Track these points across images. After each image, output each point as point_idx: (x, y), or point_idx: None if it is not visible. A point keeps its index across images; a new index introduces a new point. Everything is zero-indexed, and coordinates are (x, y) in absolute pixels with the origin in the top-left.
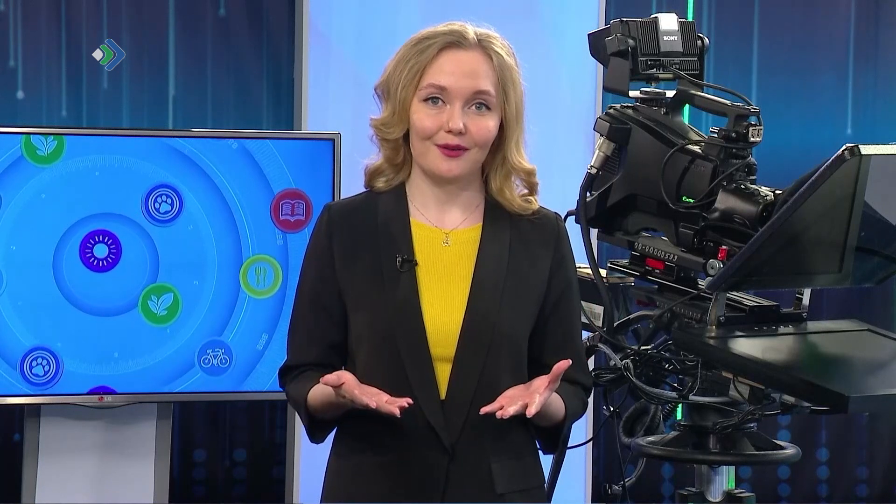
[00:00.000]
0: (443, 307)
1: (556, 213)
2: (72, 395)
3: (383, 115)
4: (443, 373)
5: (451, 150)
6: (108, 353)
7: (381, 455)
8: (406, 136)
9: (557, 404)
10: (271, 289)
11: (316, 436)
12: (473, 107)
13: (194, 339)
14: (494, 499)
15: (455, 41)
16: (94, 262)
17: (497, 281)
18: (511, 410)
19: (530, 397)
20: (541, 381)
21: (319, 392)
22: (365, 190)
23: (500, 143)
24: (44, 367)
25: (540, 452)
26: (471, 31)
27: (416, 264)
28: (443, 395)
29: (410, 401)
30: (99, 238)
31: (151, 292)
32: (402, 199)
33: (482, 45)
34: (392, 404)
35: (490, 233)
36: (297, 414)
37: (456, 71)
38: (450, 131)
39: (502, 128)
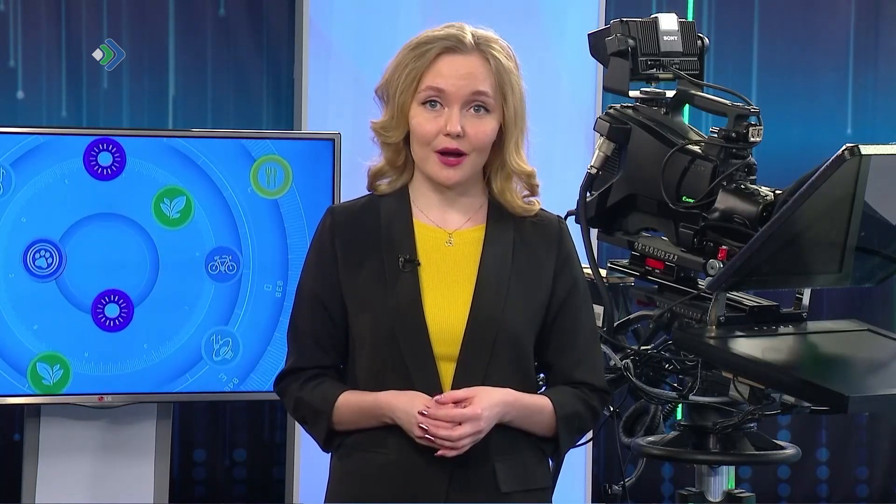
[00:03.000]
0: (446, 306)
1: (558, 215)
2: (72, 395)
3: (383, 118)
4: (446, 372)
5: (450, 158)
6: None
7: (385, 456)
8: (407, 139)
9: (539, 414)
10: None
11: (331, 444)
12: (472, 109)
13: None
14: (499, 498)
15: (453, 46)
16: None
17: (501, 281)
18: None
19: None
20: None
21: (353, 401)
22: (368, 192)
23: (499, 146)
24: (47, 259)
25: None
26: (468, 34)
27: (419, 264)
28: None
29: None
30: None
31: (164, 195)
32: (405, 201)
33: (480, 48)
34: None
35: (493, 233)
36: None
37: (454, 74)
38: (448, 134)
39: (502, 130)
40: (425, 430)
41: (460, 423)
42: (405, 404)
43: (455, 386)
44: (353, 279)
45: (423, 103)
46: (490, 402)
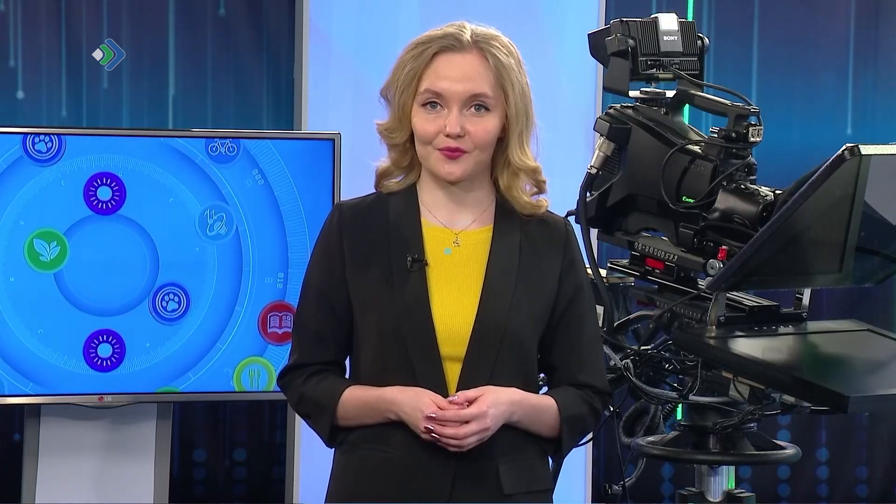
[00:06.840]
0: (453, 307)
1: (565, 218)
2: (72, 395)
3: (388, 120)
4: (452, 372)
5: (451, 153)
6: None
7: (389, 453)
8: (412, 138)
9: (544, 414)
10: None
11: (334, 440)
12: (472, 108)
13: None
14: (502, 499)
15: (450, 45)
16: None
17: (507, 283)
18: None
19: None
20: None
21: (357, 396)
22: (374, 191)
23: (504, 142)
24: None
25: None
26: (467, 32)
27: (427, 264)
28: (452, 394)
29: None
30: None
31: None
32: (412, 200)
33: (478, 46)
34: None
35: (500, 235)
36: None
37: (451, 75)
38: (448, 135)
39: (506, 127)
40: (431, 430)
41: (467, 422)
42: (411, 400)
43: (460, 386)
44: (360, 277)
45: (424, 104)
46: (497, 400)
